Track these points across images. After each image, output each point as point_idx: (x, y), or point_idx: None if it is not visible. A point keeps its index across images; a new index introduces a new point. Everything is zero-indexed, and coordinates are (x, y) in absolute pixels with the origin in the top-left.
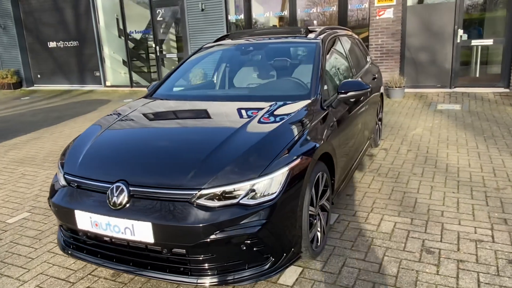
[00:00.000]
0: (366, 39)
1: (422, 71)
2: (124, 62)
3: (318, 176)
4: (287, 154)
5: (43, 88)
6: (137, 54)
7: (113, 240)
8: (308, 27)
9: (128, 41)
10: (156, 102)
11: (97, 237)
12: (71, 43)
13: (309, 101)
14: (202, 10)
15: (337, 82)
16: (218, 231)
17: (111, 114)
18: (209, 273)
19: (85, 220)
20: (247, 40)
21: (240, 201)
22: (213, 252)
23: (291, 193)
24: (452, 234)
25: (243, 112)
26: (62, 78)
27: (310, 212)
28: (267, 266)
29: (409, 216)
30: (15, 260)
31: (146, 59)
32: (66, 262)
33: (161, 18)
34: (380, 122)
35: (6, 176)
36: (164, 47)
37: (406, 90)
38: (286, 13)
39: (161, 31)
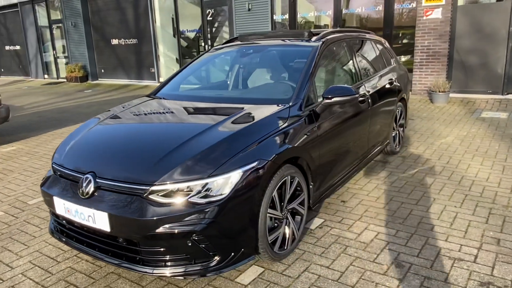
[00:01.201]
0: (411, 40)
1: (471, 75)
2: (176, 60)
3: (285, 180)
4: (244, 156)
5: (105, 82)
6: (189, 52)
7: (81, 226)
8: (312, 30)
9: (181, 40)
10: (150, 101)
11: (70, 222)
12: (131, 41)
13: (287, 105)
14: (249, 10)
15: None
16: (165, 226)
17: (109, 110)
18: (159, 264)
19: (61, 206)
20: (250, 43)
21: (190, 199)
22: (161, 245)
23: (244, 195)
24: (433, 250)
25: (219, 113)
26: (122, 73)
27: (272, 215)
28: (213, 263)
29: (396, 228)
30: (21, 237)
31: None
32: (59, 243)
33: (211, 18)
34: (401, 129)
35: (44, 161)
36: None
37: (452, 95)
38: (330, 12)
39: (211, 30)
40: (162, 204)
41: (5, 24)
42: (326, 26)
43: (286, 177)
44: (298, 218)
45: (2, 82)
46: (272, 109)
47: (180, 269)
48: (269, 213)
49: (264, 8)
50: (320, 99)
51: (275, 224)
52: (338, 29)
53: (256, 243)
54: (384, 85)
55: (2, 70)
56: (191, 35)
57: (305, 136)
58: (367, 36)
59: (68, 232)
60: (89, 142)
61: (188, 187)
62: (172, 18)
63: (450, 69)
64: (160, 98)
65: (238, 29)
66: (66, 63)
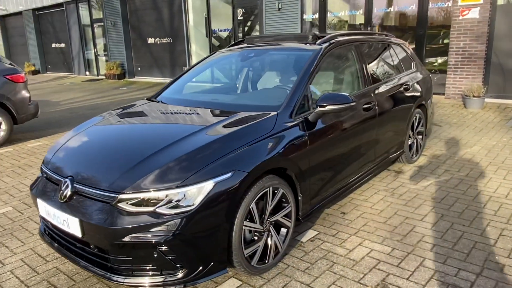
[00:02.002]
0: (446, 41)
1: (510, 80)
2: None
3: (266, 191)
4: (217, 167)
5: (141, 80)
6: None
7: (60, 229)
8: (317, 33)
9: (212, 39)
10: (146, 105)
11: (53, 225)
12: (166, 40)
13: (274, 113)
14: (279, 9)
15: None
16: (132, 235)
17: (102, 114)
18: (126, 273)
19: (43, 209)
20: (253, 47)
21: (157, 209)
22: (128, 254)
23: (215, 207)
24: (427, 272)
25: (205, 120)
26: (157, 71)
27: (250, 228)
28: (179, 276)
29: (392, 245)
30: (20, 234)
31: None
32: None
33: (242, 17)
34: (420, 137)
35: None
36: None
37: (488, 100)
38: (361, 12)
39: (241, 29)
40: (130, 213)
41: (52, 22)
42: (360, 25)
43: (268, 189)
44: (284, 230)
45: (48, 78)
46: (259, 116)
47: (142, 279)
48: (245, 225)
49: (294, 8)
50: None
51: (255, 237)
52: (349, 31)
53: (228, 256)
54: (398, 91)
55: (49, 66)
56: (223, 34)
57: (293, 145)
58: (384, 38)
59: (52, 234)
60: (74, 146)
61: (156, 197)
62: (205, 18)
63: (487, 73)
64: (158, 102)
65: (268, 28)
66: (106, 61)
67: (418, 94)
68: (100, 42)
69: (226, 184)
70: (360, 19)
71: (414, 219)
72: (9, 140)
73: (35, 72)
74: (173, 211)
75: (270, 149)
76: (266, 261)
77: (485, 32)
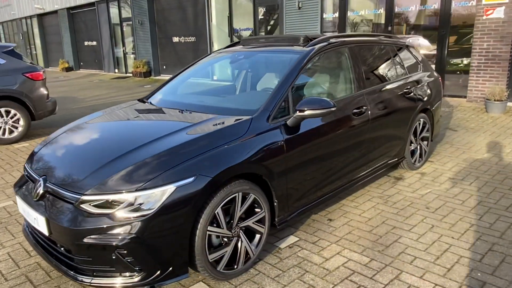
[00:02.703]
0: (469, 42)
1: None
2: None
3: (235, 197)
4: (180, 171)
5: (165, 78)
6: None
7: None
8: (309, 35)
9: (234, 38)
10: (132, 106)
11: (27, 222)
12: (190, 39)
13: (249, 117)
14: (299, 8)
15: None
16: (91, 237)
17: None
18: (88, 273)
19: (19, 206)
20: (244, 49)
21: (116, 212)
22: (89, 255)
23: (175, 212)
24: (400, 286)
25: (179, 123)
26: (181, 69)
27: (215, 233)
28: (137, 279)
29: (372, 256)
30: (13, 228)
31: None
32: None
33: (262, 16)
34: (425, 143)
35: None
36: None
37: None
38: (382, 11)
39: (262, 28)
40: (91, 214)
41: (84, 21)
42: (380, 25)
43: (236, 194)
44: (258, 236)
45: (80, 75)
46: (233, 120)
47: (101, 280)
48: (210, 231)
49: (314, 6)
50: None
51: (223, 242)
52: (345, 33)
53: (190, 261)
54: (397, 95)
55: (82, 63)
56: (244, 33)
57: (267, 151)
58: (386, 40)
59: (31, 231)
60: (54, 146)
61: (116, 199)
62: (228, 17)
63: None
64: (146, 103)
65: (288, 27)
66: (134, 59)
67: (422, 98)
68: (129, 41)
69: (188, 189)
70: (380, 18)
71: (401, 229)
72: (27, 135)
73: (68, 69)
74: (132, 214)
75: (239, 154)
76: (235, 267)
77: (510, 33)
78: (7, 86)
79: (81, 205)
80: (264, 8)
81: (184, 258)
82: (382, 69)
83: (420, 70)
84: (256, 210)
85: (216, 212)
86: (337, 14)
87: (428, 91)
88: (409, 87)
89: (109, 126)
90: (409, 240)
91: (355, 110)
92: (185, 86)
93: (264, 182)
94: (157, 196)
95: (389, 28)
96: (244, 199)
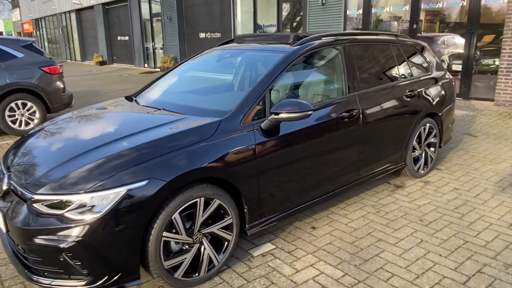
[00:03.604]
0: (500, 41)
1: None
2: None
3: (196, 202)
4: (132, 173)
5: None
6: None
7: None
8: (300, 34)
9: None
10: (115, 104)
11: None
12: (215, 35)
13: (217, 119)
14: (323, 4)
15: (309, 98)
16: (41, 237)
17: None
18: (39, 274)
19: None
20: (234, 47)
21: (65, 213)
22: (39, 255)
23: (126, 216)
24: None
25: (149, 122)
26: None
27: (172, 239)
28: (83, 283)
29: (346, 270)
30: None
31: None
32: None
33: (286, 13)
34: (433, 149)
35: None
36: None
37: None
38: (407, 8)
39: (285, 25)
40: (42, 214)
41: (118, 16)
42: (405, 22)
43: (198, 199)
44: (225, 243)
45: (112, 69)
46: (201, 121)
47: (51, 282)
48: (165, 236)
49: (338, 3)
50: None
51: (184, 248)
52: (341, 32)
53: (141, 267)
54: (396, 98)
55: (115, 57)
56: (268, 30)
57: (236, 155)
58: (390, 40)
59: None
60: (27, 142)
61: (67, 200)
62: (253, 13)
63: None
64: (132, 100)
65: (311, 24)
66: (163, 54)
67: (428, 101)
68: (158, 36)
69: (140, 193)
70: (406, 15)
71: (386, 243)
72: None
73: (102, 63)
74: (80, 217)
75: (202, 158)
76: (197, 275)
77: None
78: (24, 79)
79: (33, 204)
80: (288, 4)
81: (134, 264)
82: (382, 70)
83: (430, 72)
84: (224, 216)
85: (173, 217)
86: (361, 11)
87: (437, 94)
88: (412, 89)
89: (80, 125)
90: (391, 255)
91: (343, 114)
92: (172, 84)
93: (233, 187)
94: (107, 199)
95: (414, 25)
96: (207, 204)
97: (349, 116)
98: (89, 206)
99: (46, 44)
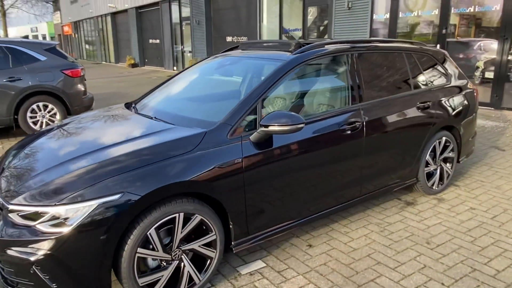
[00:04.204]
0: None
1: None
2: None
3: (175, 217)
4: (105, 187)
5: None
6: None
7: None
8: (301, 41)
9: (284, 38)
10: (112, 111)
11: None
12: (242, 39)
13: (203, 130)
14: (349, 8)
15: (308, 109)
16: (14, 248)
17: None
18: (13, 285)
19: None
20: (233, 55)
21: (37, 226)
22: (11, 267)
23: (96, 230)
24: None
25: (133, 132)
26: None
27: (147, 256)
28: None
29: None
30: None
31: None
32: None
33: (311, 17)
34: (449, 165)
35: None
36: None
37: None
38: (436, 12)
39: (311, 29)
40: (16, 226)
41: (150, 20)
42: (434, 27)
43: (176, 214)
44: (208, 261)
45: (143, 71)
46: (186, 132)
47: None
48: (140, 253)
49: (364, 7)
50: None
51: (162, 265)
52: (347, 40)
53: (118, 282)
54: (406, 110)
55: (146, 60)
56: (294, 34)
57: (221, 169)
58: (403, 47)
59: None
60: (23, 146)
61: (39, 212)
62: (279, 17)
63: None
64: (129, 108)
65: (336, 28)
66: (192, 57)
67: (444, 113)
68: (187, 39)
69: (112, 207)
70: (435, 20)
71: (385, 266)
72: None
73: (134, 65)
74: (51, 229)
75: (182, 171)
76: None
77: None
78: (46, 82)
79: (9, 214)
80: (314, 8)
81: (106, 280)
82: (392, 80)
83: (449, 82)
84: (208, 232)
85: (148, 233)
86: (388, 15)
87: (455, 105)
88: (425, 100)
89: (69, 133)
90: (389, 281)
91: (345, 126)
92: (170, 91)
93: (218, 202)
94: (77, 212)
95: (444, 31)
96: (188, 220)
97: (351, 128)
98: (62, 218)
99: (83, 46)
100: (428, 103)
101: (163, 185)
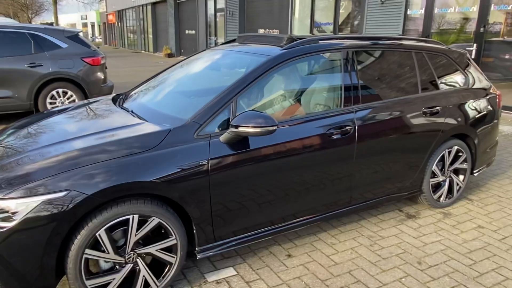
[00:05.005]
0: None
1: None
2: None
3: (129, 219)
4: (51, 183)
5: None
6: None
7: None
8: (294, 36)
9: (315, 31)
10: (96, 103)
11: None
12: (273, 31)
13: (167, 127)
14: (382, 2)
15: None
16: None
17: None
18: None
19: None
20: (227, 48)
21: None
22: None
23: (38, 228)
24: None
25: (99, 126)
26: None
27: (96, 257)
28: None
29: None
30: None
31: None
32: None
33: (343, 11)
34: (461, 177)
35: None
36: None
37: None
38: (474, 9)
39: (343, 23)
40: None
41: (187, 10)
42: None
43: (130, 216)
44: (168, 266)
45: (177, 61)
46: (149, 129)
47: None
48: (87, 254)
49: (399, 1)
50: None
51: (115, 268)
52: (345, 35)
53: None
54: (409, 114)
55: (182, 50)
56: (325, 28)
57: (183, 170)
58: (412, 45)
59: None
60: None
61: None
62: (310, 10)
63: None
64: (117, 100)
65: (368, 23)
66: None
67: (456, 120)
68: (221, 31)
69: (57, 205)
70: (473, 17)
71: (364, 286)
72: None
73: (170, 55)
74: None
75: (137, 171)
76: None
77: None
78: (65, 69)
79: None
80: (346, 2)
81: (50, 281)
82: (395, 82)
83: (466, 85)
84: (168, 236)
85: (97, 234)
86: (423, 11)
87: (471, 111)
88: (433, 105)
89: (45, 123)
90: None
91: (332, 130)
92: (158, 84)
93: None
94: (23, 207)
95: (481, 29)
96: (144, 221)
97: (341, 132)
98: (7, 212)
99: (126, 34)
100: (437, 108)
101: (114, 184)
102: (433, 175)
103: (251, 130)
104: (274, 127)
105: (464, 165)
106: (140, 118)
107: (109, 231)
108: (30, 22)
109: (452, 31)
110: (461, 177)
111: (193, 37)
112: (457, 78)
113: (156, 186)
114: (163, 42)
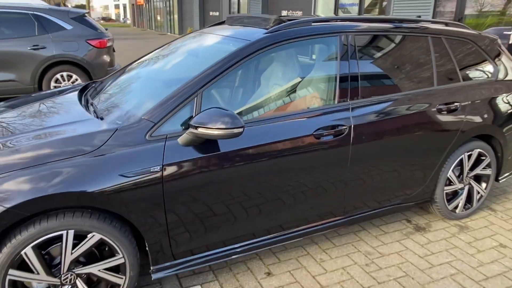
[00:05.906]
0: None
1: None
2: None
3: (62, 235)
4: None
5: None
6: None
7: None
8: (283, 17)
9: (340, 12)
10: (63, 93)
11: None
12: (297, 13)
13: (113, 127)
14: None
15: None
16: None
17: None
18: None
19: None
20: (212, 30)
21: None
22: None
23: None
24: None
25: (43, 122)
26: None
27: (21, 279)
28: None
29: None
30: None
31: None
32: None
33: None
34: (484, 184)
35: None
36: None
37: None
38: None
39: (368, 4)
40: None
41: None
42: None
43: (64, 232)
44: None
45: None
46: (91, 128)
47: None
48: (11, 275)
49: None
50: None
51: None
52: (343, 16)
53: None
54: (417, 112)
55: None
56: (350, 8)
57: (127, 177)
58: (428, 29)
59: None
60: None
61: None
62: None
63: None
64: (87, 88)
65: (396, 3)
66: None
67: (480, 118)
68: (244, 12)
69: None
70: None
71: None
72: None
73: None
74: None
75: (70, 179)
76: None
77: None
78: (70, 52)
79: None
80: None
81: None
82: (404, 73)
83: (495, 78)
84: (116, 254)
85: (23, 252)
86: None
87: (497, 108)
88: (451, 100)
89: (10, 113)
90: None
91: (321, 130)
92: (131, 73)
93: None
94: None
95: None
96: (82, 238)
97: (334, 133)
98: None
99: (153, 16)
100: (455, 104)
101: (39, 196)
102: (449, 182)
103: (212, 132)
104: (240, 129)
105: (488, 171)
106: (95, 113)
107: (39, 248)
108: (64, 5)
109: (489, 13)
110: (484, 184)
111: (217, 19)
112: (484, 69)
113: (92, 197)
114: (188, 24)
